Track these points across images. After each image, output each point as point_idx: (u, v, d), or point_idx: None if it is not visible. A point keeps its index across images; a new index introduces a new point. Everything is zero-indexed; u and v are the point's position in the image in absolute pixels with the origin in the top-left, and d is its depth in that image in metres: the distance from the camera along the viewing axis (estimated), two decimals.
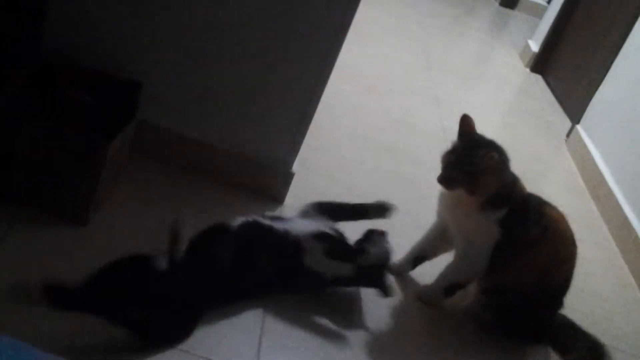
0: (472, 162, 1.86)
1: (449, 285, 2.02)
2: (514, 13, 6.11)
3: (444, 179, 1.90)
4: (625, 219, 2.77)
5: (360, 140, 2.89)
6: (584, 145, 3.35)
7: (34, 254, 1.71)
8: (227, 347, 1.66)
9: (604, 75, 3.49)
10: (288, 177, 2.23)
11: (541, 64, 4.59)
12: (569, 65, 4.28)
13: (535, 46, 4.68)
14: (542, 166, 3.37)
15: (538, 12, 5.90)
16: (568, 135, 3.62)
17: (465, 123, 1.95)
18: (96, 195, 1.83)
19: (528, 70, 4.62)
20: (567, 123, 3.81)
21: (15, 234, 1.75)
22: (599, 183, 3.08)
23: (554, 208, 2.00)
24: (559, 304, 2.04)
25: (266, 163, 2.22)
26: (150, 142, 2.16)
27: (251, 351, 1.67)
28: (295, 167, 2.24)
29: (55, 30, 2.05)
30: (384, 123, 3.12)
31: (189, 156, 2.21)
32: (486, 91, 4.17)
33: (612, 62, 3.46)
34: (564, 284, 2.02)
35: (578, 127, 3.52)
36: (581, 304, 2.33)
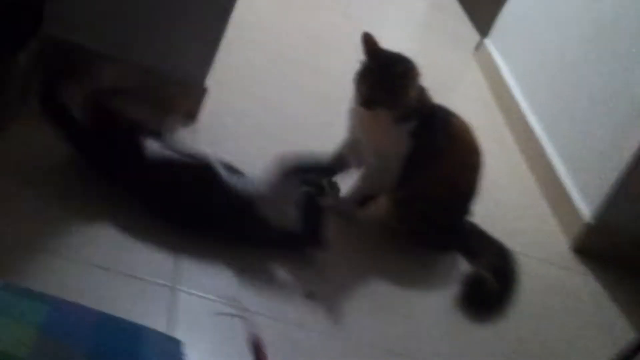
0: (394, 79, 1.88)
1: (361, 197, 2.06)
2: None
3: (367, 102, 1.90)
4: (530, 130, 2.87)
5: (275, 56, 2.87)
6: (492, 58, 3.43)
7: None
8: (145, 264, 1.66)
9: None
10: (201, 93, 2.21)
11: None
12: None
13: None
14: (451, 79, 3.44)
15: None
16: (477, 48, 3.68)
17: (370, 41, 1.93)
18: (1, 113, 1.77)
19: None
20: (477, 37, 3.87)
21: None
22: (505, 95, 3.17)
23: (459, 118, 2.05)
24: (467, 211, 2.11)
25: (178, 78, 2.18)
26: (56, 58, 2.09)
27: (168, 268, 1.68)
28: (209, 84, 2.22)
29: None
30: (298, 39, 3.11)
31: (98, 71, 2.15)
32: (397, 5, 4.18)
33: None
34: (471, 192, 2.09)
35: (486, 40, 3.59)
36: (487, 212, 2.42)
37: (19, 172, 1.76)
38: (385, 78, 1.88)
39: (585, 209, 2.41)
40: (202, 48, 2.16)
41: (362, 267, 1.97)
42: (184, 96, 2.19)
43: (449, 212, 2.07)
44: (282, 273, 1.82)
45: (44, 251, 1.58)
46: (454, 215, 2.10)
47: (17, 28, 1.83)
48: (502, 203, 2.54)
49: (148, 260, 1.67)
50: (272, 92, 2.59)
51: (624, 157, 2.32)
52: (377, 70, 1.90)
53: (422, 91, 1.97)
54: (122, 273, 1.61)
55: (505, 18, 3.51)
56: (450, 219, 2.09)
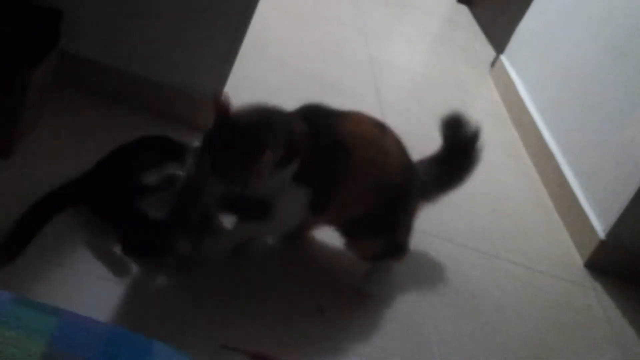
0: (236, 159, 1.56)
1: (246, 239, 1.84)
2: None
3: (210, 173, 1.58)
4: (544, 145, 2.87)
5: (288, 70, 2.89)
6: (508, 75, 3.43)
7: None
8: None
9: (528, 5, 3.55)
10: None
11: None
12: None
13: None
14: (466, 95, 3.44)
15: None
16: (492, 64, 3.69)
17: (221, 106, 1.58)
18: (18, 126, 1.80)
19: (454, 0, 4.66)
20: (492, 53, 3.87)
21: None
22: (521, 111, 3.17)
23: (354, 131, 1.74)
24: (410, 205, 1.90)
25: (194, 93, 2.21)
26: (74, 73, 2.12)
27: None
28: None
29: None
30: (312, 53, 3.13)
31: (115, 87, 2.18)
32: (412, 21, 4.20)
33: None
34: (401, 185, 1.83)
35: (502, 56, 3.59)
36: (501, 227, 2.43)
37: (16, 189, 1.78)
38: (226, 155, 1.57)
39: (599, 224, 2.41)
40: (218, 62, 2.19)
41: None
42: (200, 110, 2.21)
43: (392, 215, 1.84)
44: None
45: (56, 264, 1.60)
46: (399, 215, 1.87)
47: (35, 43, 1.86)
48: (516, 217, 2.54)
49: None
50: (285, 106, 2.60)
51: (638, 174, 2.31)
52: (219, 144, 1.59)
53: (291, 134, 1.64)
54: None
55: (521, 35, 3.52)
56: (398, 219, 1.88)
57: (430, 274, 2.09)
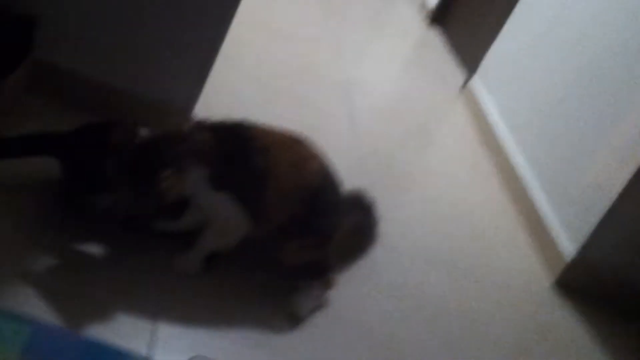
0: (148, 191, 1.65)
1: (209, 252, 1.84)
2: None
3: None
4: (514, 166, 2.90)
5: (263, 87, 2.90)
6: (478, 96, 3.47)
7: None
8: (120, 328, 1.58)
9: (500, 29, 3.60)
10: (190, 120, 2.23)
11: (439, 17, 4.68)
12: (466, 19, 4.39)
13: None
14: (438, 115, 3.48)
15: None
16: (464, 86, 3.73)
17: (122, 132, 1.71)
18: None
19: (427, 23, 4.71)
20: (463, 75, 3.92)
21: None
22: (491, 132, 3.21)
23: (269, 138, 1.80)
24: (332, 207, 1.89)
25: (168, 106, 2.20)
26: (49, 83, 2.11)
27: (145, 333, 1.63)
28: (197, 111, 2.24)
29: None
30: (286, 70, 3.14)
31: (88, 98, 2.17)
32: (385, 43, 4.24)
33: (508, 16, 3.57)
34: (322, 183, 1.85)
35: (473, 79, 3.64)
36: (470, 246, 2.45)
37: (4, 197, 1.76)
38: (135, 176, 1.66)
39: (568, 245, 2.44)
40: (192, 76, 2.19)
41: None
42: (174, 123, 2.20)
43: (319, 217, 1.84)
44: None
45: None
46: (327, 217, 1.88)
47: (8, 52, 1.84)
48: (486, 237, 2.56)
49: (125, 326, 1.59)
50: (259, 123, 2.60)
51: (608, 195, 2.35)
52: (127, 167, 1.67)
53: (206, 145, 1.71)
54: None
55: (493, 57, 3.57)
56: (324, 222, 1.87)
57: (400, 291, 2.10)
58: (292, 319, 1.82)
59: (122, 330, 1.55)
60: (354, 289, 2.00)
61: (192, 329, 1.66)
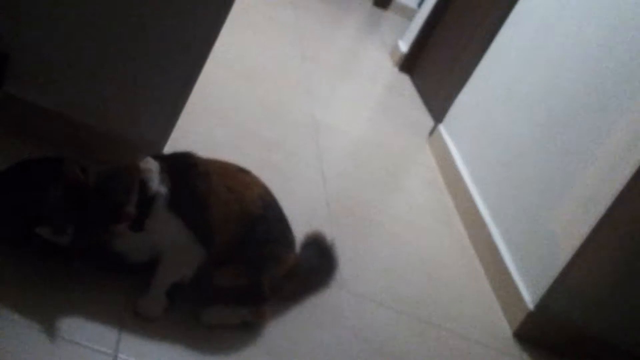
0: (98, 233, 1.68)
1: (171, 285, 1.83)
2: (386, 14, 6.30)
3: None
4: (478, 214, 2.94)
5: (233, 127, 2.91)
6: (445, 144, 3.52)
7: None
8: (88, 330, 1.65)
9: (468, 78, 3.67)
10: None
11: (409, 64, 4.77)
12: (435, 67, 4.47)
13: (404, 47, 4.84)
14: (405, 162, 3.52)
15: (409, 14, 6.12)
16: (431, 133, 3.78)
17: (74, 173, 1.66)
18: None
19: (397, 69, 4.79)
20: (431, 122, 3.98)
21: None
22: (456, 179, 3.25)
23: (213, 165, 1.86)
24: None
25: (137, 143, 2.20)
26: (14, 117, 2.10)
27: (113, 333, 1.67)
28: (167, 150, 2.24)
29: None
30: (257, 111, 3.16)
31: (56, 133, 2.16)
32: (356, 87, 4.29)
33: (475, 66, 3.65)
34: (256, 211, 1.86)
35: (440, 126, 3.69)
36: (431, 293, 2.46)
37: None
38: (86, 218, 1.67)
39: (528, 295, 2.46)
40: (163, 114, 2.19)
41: None
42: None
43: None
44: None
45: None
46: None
47: None
48: (449, 284, 2.58)
49: (92, 326, 1.65)
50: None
51: (568, 247, 2.38)
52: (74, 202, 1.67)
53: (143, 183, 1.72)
54: (63, 338, 1.59)
55: (459, 106, 3.63)
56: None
57: (364, 338, 2.10)
58: (201, 324, 1.83)
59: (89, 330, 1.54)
60: (318, 332, 2.00)
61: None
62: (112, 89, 2.16)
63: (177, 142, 2.31)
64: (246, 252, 1.83)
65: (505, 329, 2.46)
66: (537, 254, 2.53)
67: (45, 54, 2.09)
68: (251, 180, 1.89)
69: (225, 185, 1.81)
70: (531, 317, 2.42)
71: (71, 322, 1.63)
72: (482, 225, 2.88)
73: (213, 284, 1.84)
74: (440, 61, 4.43)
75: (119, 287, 1.79)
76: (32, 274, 1.71)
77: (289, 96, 3.51)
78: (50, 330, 1.59)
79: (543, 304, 2.41)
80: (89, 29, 2.07)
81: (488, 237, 2.81)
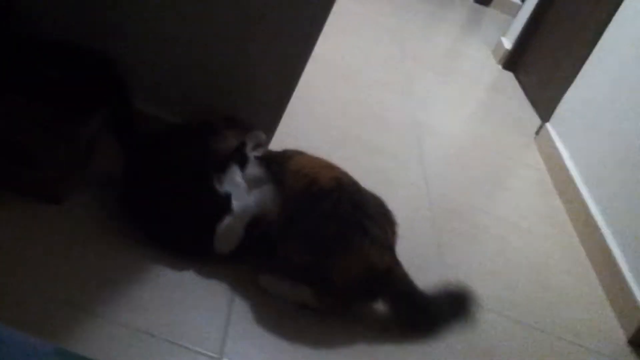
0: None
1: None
2: (489, 10, 6.17)
3: None
4: (590, 217, 2.82)
5: (333, 130, 2.91)
6: (553, 144, 3.41)
7: (6, 235, 1.70)
8: (192, 331, 1.66)
9: (576, 75, 3.54)
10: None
11: (513, 61, 4.65)
12: (541, 64, 4.33)
13: (508, 44, 4.72)
14: (510, 162, 3.42)
15: (512, 10, 5.96)
16: (537, 132, 3.67)
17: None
18: (70, 173, 1.83)
19: (500, 67, 4.67)
20: (537, 121, 3.86)
21: None
22: (565, 180, 3.14)
23: (299, 153, 2.05)
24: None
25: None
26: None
27: (218, 335, 1.68)
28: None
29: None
30: (357, 114, 3.14)
31: None
32: (458, 86, 4.21)
33: (584, 62, 3.51)
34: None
35: (548, 125, 3.58)
36: (542, 298, 2.38)
37: (68, 234, 1.79)
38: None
39: None
40: (266, 120, 2.21)
41: None
42: None
43: None
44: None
45: (90, 314, 1.59)
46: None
47: (94, 95, 1.90)
48: (558, 289, 2.49)
49: (196, 328, 1.67)
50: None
51: None
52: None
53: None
54: (167, 340, 1.61)
55: (567, 103, 3.51)
56: None
57: (472, 344, 2.05)
58: (262, 287, 1.85)
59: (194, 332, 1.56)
60: (429, 340, 1.97)
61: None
62: (216, 95, 2.19)
63: (278, 144, 2.32)
64: (309, 226, 1.80)
65: (619, 336, 2.35)
66: None
67: (152, 59, 2.14)
68: (334, 167, 1.92)
69: (304, 164, 1.91)
70: None
71: (174, 323, 1.66)
72: (594, 227, 2.76)
73: (279, 255, 1.85)
74: (546, 57, 4.29)
75: (222, 289, 1.81)
76: (141, 275, 1.75)
77: (390, 98, 3.47)
78: (153, 332, 1.61)
79: None
80: (218, 29, 2.11)
81: (601, 239, 2.69)
